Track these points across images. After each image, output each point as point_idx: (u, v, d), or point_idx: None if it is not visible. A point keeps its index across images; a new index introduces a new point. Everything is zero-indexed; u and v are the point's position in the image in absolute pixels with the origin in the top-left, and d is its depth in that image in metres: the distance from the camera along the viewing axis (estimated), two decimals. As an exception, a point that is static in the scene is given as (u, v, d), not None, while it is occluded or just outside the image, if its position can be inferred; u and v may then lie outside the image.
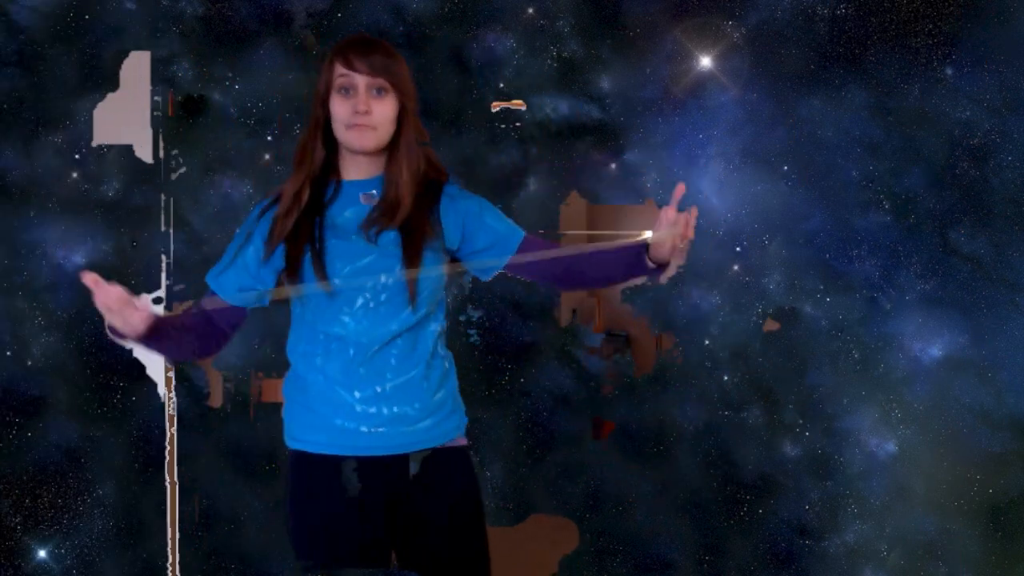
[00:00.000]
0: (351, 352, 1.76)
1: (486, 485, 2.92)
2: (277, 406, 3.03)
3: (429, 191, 1.81)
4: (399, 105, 1.78)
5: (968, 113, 2.86)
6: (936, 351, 2.89)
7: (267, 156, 3.02)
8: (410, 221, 1.76)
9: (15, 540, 2.93)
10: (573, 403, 3.10)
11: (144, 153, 2.99)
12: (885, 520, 2.91)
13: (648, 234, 1.77)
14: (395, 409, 1.76)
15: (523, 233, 1.86)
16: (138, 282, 2.96)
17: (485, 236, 1.82)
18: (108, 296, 1.67)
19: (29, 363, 2.94)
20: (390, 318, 1.76)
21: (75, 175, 2.96)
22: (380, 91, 1.76)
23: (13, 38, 2.93)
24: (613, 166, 3.04)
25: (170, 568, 2.99)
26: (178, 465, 3.01)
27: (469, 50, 3.02)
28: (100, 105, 2.95)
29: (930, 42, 2.87)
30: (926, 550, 2.88)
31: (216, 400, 3.05)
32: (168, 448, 3.00)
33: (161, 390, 3.01)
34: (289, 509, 1.84)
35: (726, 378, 3.02)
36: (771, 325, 2.99)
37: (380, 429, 1.76)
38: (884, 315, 2.91)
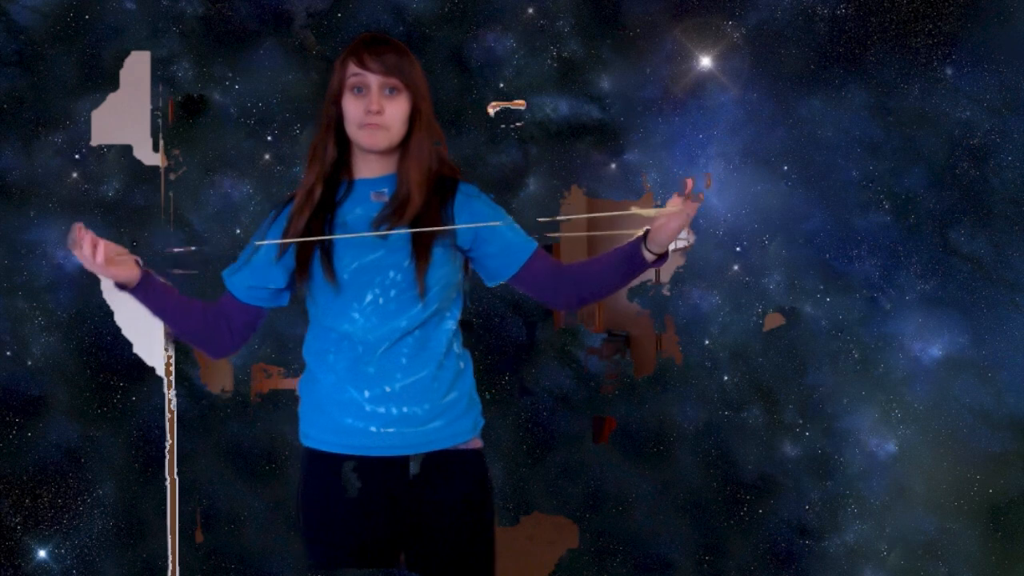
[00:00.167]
0: (361, 350, 1.76)
1: (486, 485, 2.92)
2: (277, 406, 3.04)
3: (441, 189, 1.82)
4: (411, 105, 1.78)
5: (968, 113, 2.86)
6: (936, 351, 2.89)
7: (267, 156, 3.02)
8: (420, 218, 1.77)
9: (15, 540, 2.93)
10: (573, 403, 3.10)
11: (144, 153, 2.99)
12: (885, 520, 2.91)
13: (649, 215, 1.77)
14: (404, 409, 1.76)
15: (535, 245, 1.86)
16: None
17: (497, 243, 1.82)
18: (92, 251, 1.71)
19: (29, 363, 2.94)
20: (400, 314, 1.76)
21: (75, 175, 2.96)
22: (392, 90, 1.76)
23: (13, 38, 2.93)
24: (613, 166, 3.04)
25: (170, 568, 2.99)
26: (178, 465, 3.01)
27: (469, 50, 3.02)
28: (101, 105, 2.95)
29: (930, 42, 2.87)
30: (926, 550, 2.88)
31: (219, 385, 3.04)
32: (169, 444, 3.00)
33: (164, 390, 3.01)
34: (300, 506, 1.84)
35: (726, 378, 3.02)
36: (774, 321, 2.99)
37: (389, 429, 1.76)
38: (884, 315, 2.91)
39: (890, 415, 2.91)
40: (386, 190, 1.81)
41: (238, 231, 2.99)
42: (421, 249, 1.75)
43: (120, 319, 2.96)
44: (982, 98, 2.85)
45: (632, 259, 1.80)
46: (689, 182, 1.71)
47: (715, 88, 2.96)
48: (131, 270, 1.78)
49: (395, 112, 1.76)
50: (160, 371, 3.00)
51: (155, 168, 2.99)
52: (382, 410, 1.76)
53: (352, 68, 1.77)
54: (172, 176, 3.00)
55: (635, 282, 1.83)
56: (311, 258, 1.78)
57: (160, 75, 2.98)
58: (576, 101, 3.04)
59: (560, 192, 3.05)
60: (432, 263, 1.76)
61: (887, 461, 2.91)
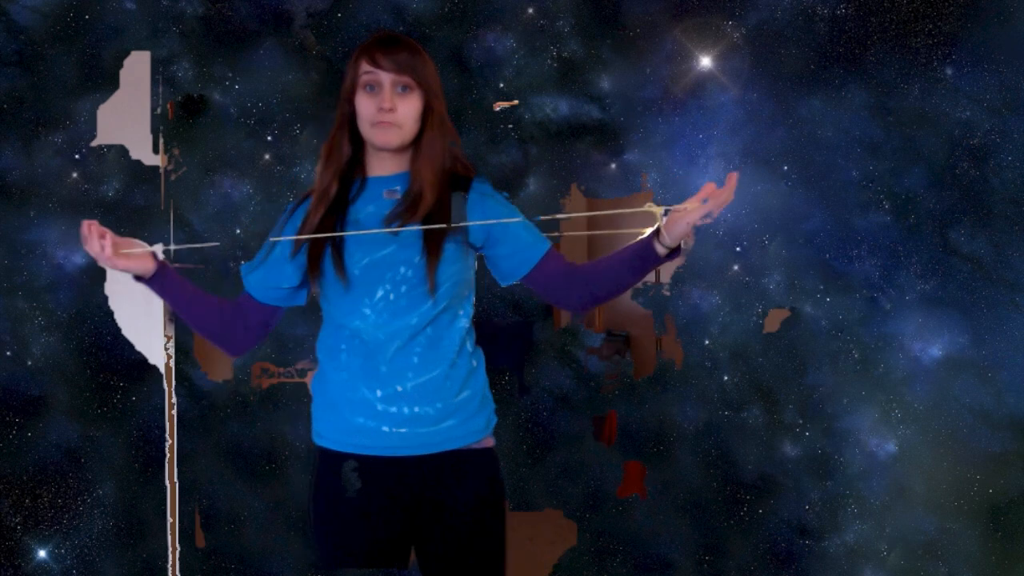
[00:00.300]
0: (373, 348, 1.76)
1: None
2: (277, 406, 3.04)
3: (455, 186, 1.82)
4: (424, 103, 1.78)
5: (968, 113, 2.85)
6: (936, 351, 2.89)
7: (267, 156, 3.02)
8: (433, 215, 1.77)
9: (15, 540, 2.93)
10: (573, 403, 3.10)
11: (144, 153, 2.99)
12: (885, 520, 2.90)
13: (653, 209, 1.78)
14: (416, 409, 1.76)
15: (549, 245, 1.86)
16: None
17: (510, 242, 1.82)
18: (100, 245, 1.74)
19: (29, 363, 2.94)
20: (410, 310, 1.76)
21: (75, 175, 2.96)
22: (405, 88, 1.76)
23: (13, 38, 2.93)
24: (613, 166, 3.04)
25: (170, 568, 2.99)
26: (178, 465, 3.01)
27: (469, 50, 3.02)
28: (103, 106, 2.96)
29: (930, 42, 2.87)
30: (926, 550, 2.88)
31: (220, 375, 3.04)
32: (169, 442, 3.00)
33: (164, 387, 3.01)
34: (311, 504, 1.85)
35: (726, 378, 3.02)
36: (778, 316, 2.99)
37: (401, 429, 1.76)
38: (884, 315, 2.91)
39: (890, 415, 2.91)
40: (399, 188, 1.81)
41: (238, 231, 2.99)
42: (432, 245, 1.75)
43: (120, 319, 2.96)
44: (982, 98, 2.85)
45: (645, 254, 1.78)
46: (733, 176, 1.70)
47: (715, 88, 2.96)
48: (144, 262, 1.80)
49: (407, 110, 1.76)
50: (161, 370, 3.00)
51: (155, 168, 2.99)
52: (394, 409, 1.76)
53: (365, 66, 1.77)
54: (172, 176, 3.00)
55: (649, 273, 1.81)
56: (323, 255, 1.79)
57: (160, 75, 2.98)
58: (576, 101, 3.04)
59: (560, 192, 3.05)
60: (443, 259, 1.76)
61: (887, 461, 2.91)
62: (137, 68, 2.97)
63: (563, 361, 3.11)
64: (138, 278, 1.83)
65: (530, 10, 3.02)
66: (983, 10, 2.84)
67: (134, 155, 2.98)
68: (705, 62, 2.96)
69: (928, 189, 2.89)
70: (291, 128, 3.01)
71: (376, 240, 1.77)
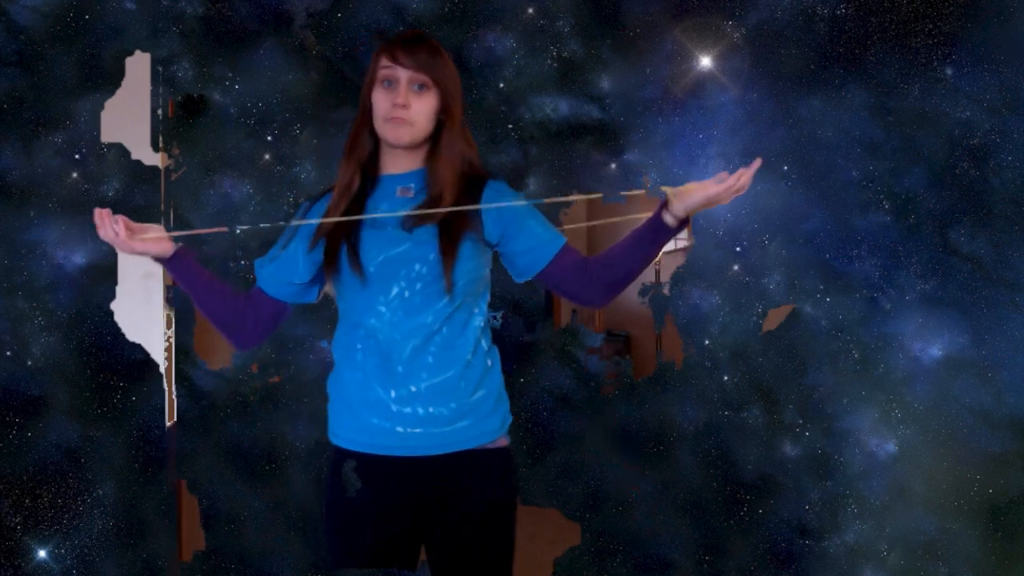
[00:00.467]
0: (388, 348, 1.77)
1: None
2: (277, 406, 3.04)
3: (471, 187, 1.83)
4: (440, 104, 1.79)
5: (968, 113, 2.85)
6: (936, 351, 2.89)
7: (267, 156, 3.02)
8: (450, 216, 1.78)
9: (15, 540, 2.93)
10: (573, 403, 3.10)
11: (144, 153, 2.99)
12: (885, 520, 2.90)
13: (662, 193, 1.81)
14: (430, 409, 1.77)
15: (564, 240, 1.87)
16: (137, 282, 2.96)
17: (527, 238, 1.83)
18: (114, 230, 1.74)
19: (29, 363, 2.94)
20: (425, 308, 1.76)
21: (75, 175, 2.96)
22: (421, 87, 1.78)
23: (13, 38, 2.93)
24: (613, 166, 3.04)
25: (171, 568, 2.99)
26: (178, 465, 3.01)
27: (469, 50, 3.02)
28: (108, 101, 2.96)
29: (930, 42, 2.87)
30: (926, 550, 2.88)
31: (219, 363, 3.05)
32: (168, 441, 3.00)
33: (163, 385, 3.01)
34: (324, 502, 1.86)
35: (726, 378, 3.02)
36: (776, 315, 2.99)
37: (416, 430, 1.77)
38: (884, 315, 2.91)
39: (890, 415, 2.91)
40: (412, 185, 1.82)
41: (238, 231, 3.00)
42: (448, 244, 1.76)
43: (120, 318, 2.97)
44: (982, 98, 2.85)
45: (655, 229, 1.81)
46: (758, 161, 1.76)
47: (715, 88, 2.96)
48: (160, 245, 1.80)
49: (421, 108, 1.77)
50: (162, 368, 3.00)
51: (155, 168, 2.99)
52: (408, 410, 1.77)
53: (384, 61, 1.79)
54: (172, 176, 3.00)
55: (663, 248, 1.84)
56: (339, 251, 1.80)
57: (160, 75, 2.98)
58: (576, 101, 3.04)
59: (559, 192, 3.05)
60: (459, 257, 1.77)
61: (887, 461, 2.91)
62: (137, 68, 2.97)
63: (563, 361, 3.12)
64: (157, 261, 1.84)
65: (530, 10, 3.02)
66: (983, 10, 2.84)
67: (134, 155, 2.98)
68: (705, 62, 2.96)
69: (928, 189, 2.89)
70: (291, 128, 3.01)
71: (391, 237, 1.78)
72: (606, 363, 3.15)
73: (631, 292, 3.09)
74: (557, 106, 3.04)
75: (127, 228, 1.76)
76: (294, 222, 1.90)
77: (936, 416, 2.88)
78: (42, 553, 2.94)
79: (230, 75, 3.00)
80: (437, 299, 1.77)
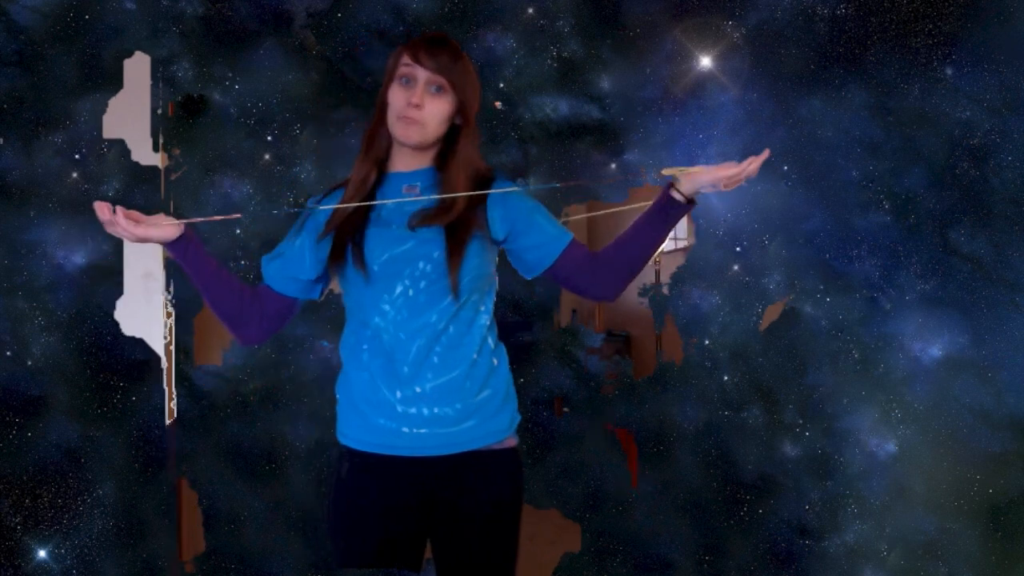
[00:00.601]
0: (393, 348, 1.77)
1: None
2: (277, 406, 3.04)
3: (480, 187, 1.83)
4: (454, 108, 1.79)
5: (968, 113, 2.85)
6: (936, 351, 2.89)
7: (267, 156, 3.02)
8: (458, 220, 1.78)
9: (15, 540, 2.93)
10: (573, 403, 3.10)
11: (144, 153, 2.99)
12: (885, 520, 2.90)
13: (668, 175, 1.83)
14: (435, 410, 1.77)
15: (571, 235, 1.87)
16: (138, 282, 2.96)
17: (534, 234, 1.84)
18: (123, 225, 1.71)
19: (29, 363, 2.94)
20: (430, 307, 1.76)
21: (75, 175, 2.96)
22: (439, 89, 1.77)
23: (13, 38, 2.93)
24: (613, 166, 3.04)
25: (171, 568, 2.99)
26: (178, 465, 3.01)
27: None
28: (110, 102, 2.96)
29: (930, 42, 2.87)
30: (926, 550, 2.88)
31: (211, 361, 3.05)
32: (169, 438, 3.00)
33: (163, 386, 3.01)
34: (330, 501, 1.86)
35: (726, 378, 3.02)
36: (773, 312, 2.99)
37: (421, 430, 1.77)
38: (884, 315, 2.91)
39: (890, 415, 2.91)
40: (418, 184, 1.82)
41: (238, 231, 3.00)
42: (455, 245, 1.76)
43: (121, 317, 2.97)
44: (982, 98, 2.85)
45: (664, 208, 1.83)
46: (767, 152, 1.81)
47: (715, 88, 2.96)
48: (167, 230, 1.77)
49: (435, 110, 1.77)
50: (162, 369, 3.00)
51: (155, 168, 2.99)
52: (413, 411, 1.77)
53: (405, 59, 1.78)
54: (172, 176, 3.00)
55: (672, 227, 1.87)
56: (344, 247, 1.80)
57: (160, 75, 2.98)
58: (576, 101, 3.04)
59: (560, 192, 3.05)
60: (464, 256, 1.77)
61: (887, 461, 2.91)
62: (137, 68, 2.97)
63: (563, 361, 3.12)
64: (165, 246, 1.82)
65: (530, 10, 3.02)
66: (983, 10, 2.84)
67: (134, 155, 2.98)
68: (705, 62, 2.96)
69: (928, 189, 2.89)
70: (291, 128, 3.01)
71: (396, 236, 1.78)
72: (606, 363, 3.15)
73: (631, 292, 3.10)
74: (557, 106, 3.04)
75: (126, 216, 1.74)
76: (308, 208, 1.90)
77: (936, 416, 2.88)
78: (42, 553, 2.94)
79: (230, 75, 3.00)
80: (442, 298, 1.77)
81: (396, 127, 1.78)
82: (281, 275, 1.88)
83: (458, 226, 1.77)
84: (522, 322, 3.09)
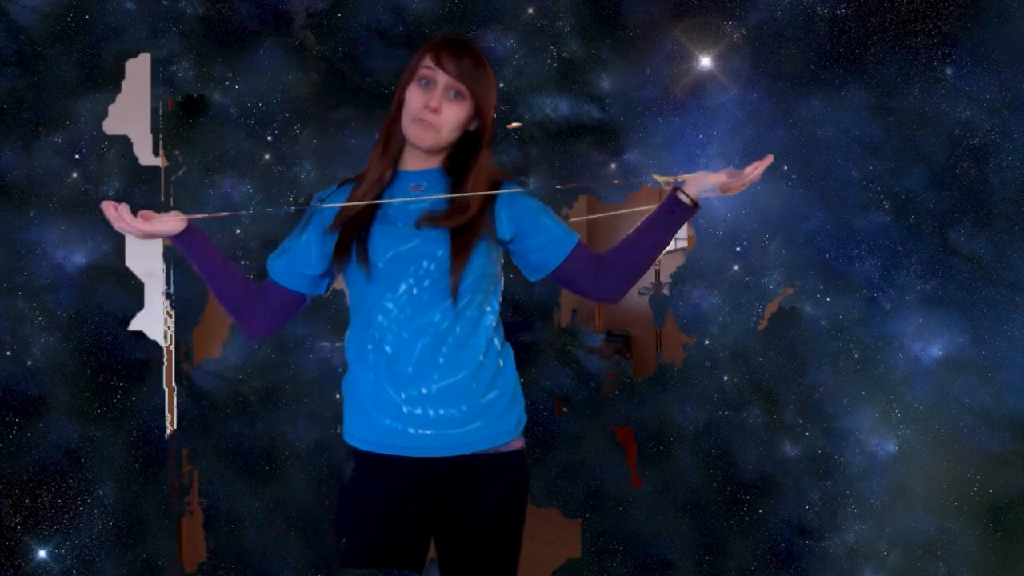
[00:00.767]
0: (398, 348, 1.77)
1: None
2: (277, 406, 3.04)
3: (488, 189, 1.84)
4: (470, 114, 1.79)
5: (968, 113, 2.85)
6: (936, 351, 2.89)
7: (267, 156, 3.02)
8: (466, 224, 1.79)
9: (15, 540, 2.93)
10: (573, 403, 3.10)
11: (144, 153, 2.99)
12: (885, 520, 2.90)
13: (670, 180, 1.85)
14: (440, 411, 1.77)
15: (577, 236, 1.87)
16: (138, 282, 2.97)
17: (541, 235, 1.84)
18: (128, 221, 1.73)
19: (29, 363, 2.94)
20: (433, 306, 1.76)
21: (75, 175, 2.96)
22: (457, 95, 1.78)
23: (13, 38, 2.93)
24: (613, 166, 3.04)
25: (171, 568, 2.99)
26: (178, 465, 3.01)
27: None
28: (111, 106, 2.96)
29: (930, 42, 2.87)
30: (926, 550, 2.88)
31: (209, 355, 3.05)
32: (169, 438, 3.00)
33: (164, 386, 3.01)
34: (336, 501, 1.86)
35: (726, 378, 3.02)
36: (770, 308, 3.00)
37: (427, 431, 1.77)
38: (884, 315, 2.91)
39: (890, 415, 2.91)
40: (424, 184, 1.83)
41: (238, 231, 3.00)
42: (461, 248, 1.76)
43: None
44: (982, 98, 2.85)
45: (670, 210, 1.85)
46: (769, 157, 1.86)
47: (715, 88, 2.96)
48: (172, 224, 1.78)
49: (451, 116, 1.77)
50: (164, 359, 3.00)
51: (155, 168, 2.99)
52: (419, 411, 1.77)
53: (427, 61, 1.78)
54: (172, 176, 3.00)
55: (678, 229, 1.89)
56: (350, 244, 1.80)
57: (160, 75, 2.98)
58: (576, 101, 3.04)
59: (560, 192, 3.05)
60: (469, 259, 1.77)
61: (887, 461, 2.91)
62: (137, 68, 2.97)
63: (563, 361, 3.11)
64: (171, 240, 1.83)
65: (530, 10, 3.02)
66: (983, 10, 2.84)
67: (136, 154, 2.98)
68: (705, 62, 2.96)
69: (928, 189, 2.89)
70: (291, 128, 3.01)
71: (401, 234, 1.78)
72: (606, 363, 3.15)
73: (632, 292, 3.09)
74: (557, 106, 3.04)
75: (130, 214, 1.75)
76: (315, 203, 1.90)
77: (936, 416, 2.88)
78: (42, 553, 2.94)
79: (230, 75, 3.00)
80: (445, 297, 1.77)
81: (410, 129, 1.78)
82: (287, 271, 1.88)
83: (464, 229, 1.77)
84: (522, 322, 3.09)
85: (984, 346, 2.85)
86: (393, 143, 1.83)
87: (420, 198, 1.80)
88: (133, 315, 2.97)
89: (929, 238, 2.89)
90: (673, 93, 2.99)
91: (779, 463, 2.98)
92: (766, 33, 2.94)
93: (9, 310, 2.93)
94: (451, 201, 1.79)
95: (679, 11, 2.97)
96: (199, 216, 1.86)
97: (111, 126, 2.96)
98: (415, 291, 1.77)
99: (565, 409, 3.12)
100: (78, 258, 2.94)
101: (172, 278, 3.01)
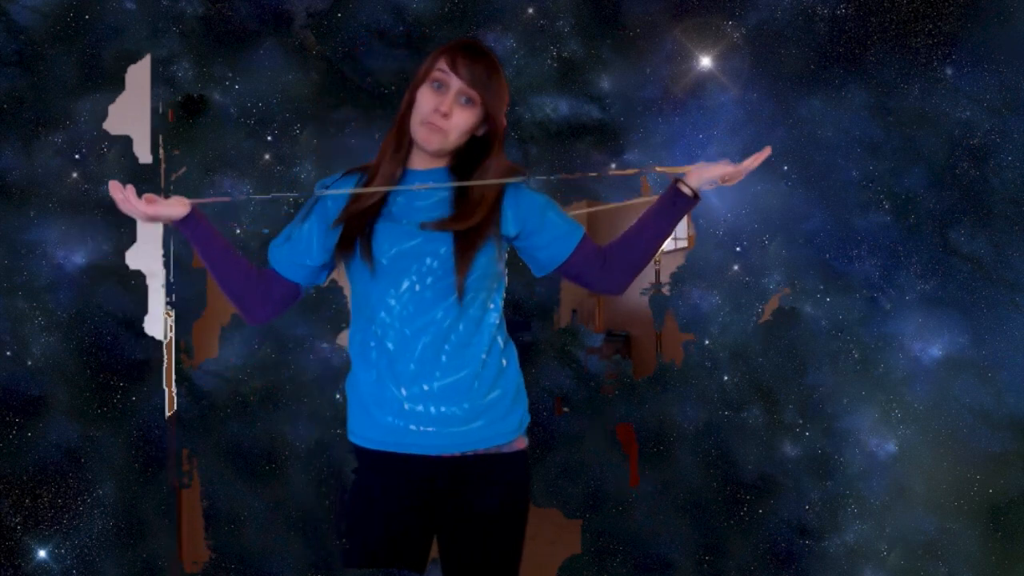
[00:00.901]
0: (400, 345, 1.77)
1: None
2: (277, 406, 3.04)
3: (496, 188, 1.84)
4: (479, 120, 1.80)
5: (968, 113, 2.86)
6: (936, 351, 2.89)
7: (267, 156, 3.02)
8: (471, 227, 1.79)
9: (15, 540, 2.93)
10: (573, 403, 3.10)
11: (143, 153, 2.99)
12: (885, 520, 2.91)
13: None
14: (442, 409, 1.77)
15: (583, 230, 1.88)
16: (138, 282, 2.97)
17: (548, 231, 1.84)
18: (134, 203, 1.73)
19: (29, 363, 2.94)
20: (436, 303, 1.76)
21: (75, 175, 2.96)
22: (468, 101, 1.77)
23: (13, 38, 2.93)
24: (613, 166, 3.04)
25: (171, 568, 2.99)
26: (178, 465, 3.01)
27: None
28: (111, 106, 2.96)
29: (930, 42, 2.87)
30: (926, 550, 2.88)
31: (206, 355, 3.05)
32: (170, 439, 3.00)
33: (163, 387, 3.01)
34: (344, 501, 1.88)
35: (726, 378, 3.02)
36: (768, 308, 3.00)
37: (428, 428, 1.77)
38: (884, 315, 2.91)
39: (890, 415, 2.91)
40: (430, 183, 1.83)
41: (238, 231, 3.00)
42: (465, 246, 1.76)
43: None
44: (982, 98, 2.85)
45: (672, 202, 1.86)
46: (768, 149, 1.87)
47: (715, 88, 2.96)
48: (176, 208, 1.78)
49: (460, 121, 1.77)
50: (163, 369, 3.00)
51: (155, 168, 2.99)
52: (420, 408, 1.77)
53: (442, 64, 1.78)
54: (172, 176, 3.00)
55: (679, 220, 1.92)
56: (354, 239, 1.80)
57: (160, 75, 2.98)
58: (576, 101, 3.04)
59: (560, 192, 3.05)
60: (473, 259, 1.77)
61: (887, 461, 2.91)
62: (137, 68, 2.97)
63: (563, 361, 3.12)
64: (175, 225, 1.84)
65: (530, 10, 3.02)
66: (983, 10, 2.84)
67: (135, 154, 2.98)
68: (705, 62, 2.96)
69: (928, 189, 2.89)
70: (291, 128, 3.01)
71: (404, 231, 1.78)
72: (606, 363, 3.15)
73: (631, 292, 3.10)
74: (557, 106, 3.04)
75: (135, 196, 1.76)
76: (311, 202, 1.90)
77: (936, 416, 2.88)
78: (42, 553, 2.94)
79: (230, 75, 3.00)
80: (447, 294, 1.77)
81: (419, 130, 1.78)
82: (287, 260, 1.88)
83: (469, 229, 1.77)
84: (522, 322, 3.09)
85: (984, 346, 2.85)
86: (404, 142, 1.83)
87: (426, 185, 1.80)
88: (133, 315, 2.97)
89: (929, 238, 2.89)
90: (673, 93, 2.99)
91: (779, 463, 2.98)
92: (766, 33, 2.94)
93: (9, 310, 2.93)
94: (456, 206, 1.79)
95: (679, 11, 2.97)
96: (203, 200, 1.86)
97: (111, 126, 2.96)
98: (418, 288, 1.77)
99: (565, 409, 3.12)
100: (78, 258, 2.94)
101: (172, 278, 3.01)
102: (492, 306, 1.83)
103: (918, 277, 2.89)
